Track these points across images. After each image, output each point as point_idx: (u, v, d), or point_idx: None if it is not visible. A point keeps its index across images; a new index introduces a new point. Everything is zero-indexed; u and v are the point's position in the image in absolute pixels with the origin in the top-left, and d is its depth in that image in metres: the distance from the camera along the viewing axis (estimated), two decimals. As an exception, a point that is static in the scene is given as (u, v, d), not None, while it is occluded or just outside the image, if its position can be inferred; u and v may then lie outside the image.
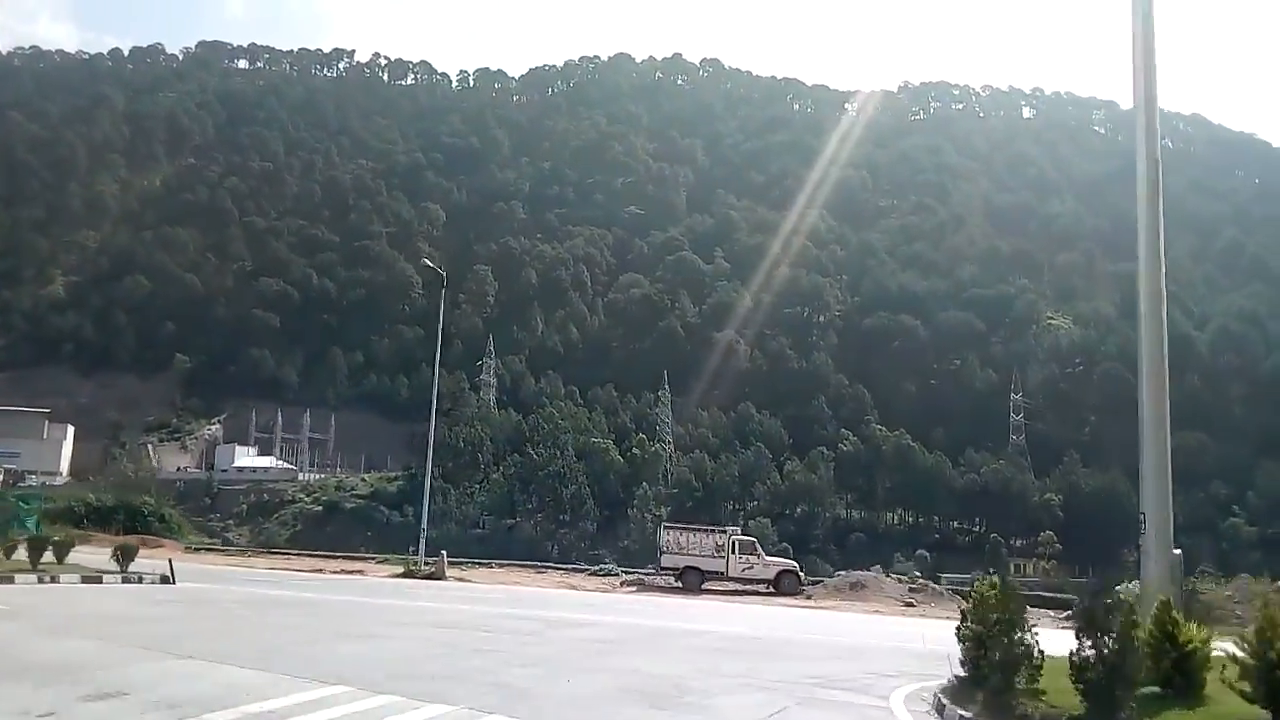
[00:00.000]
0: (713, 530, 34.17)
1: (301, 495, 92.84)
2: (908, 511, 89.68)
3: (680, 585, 31.24)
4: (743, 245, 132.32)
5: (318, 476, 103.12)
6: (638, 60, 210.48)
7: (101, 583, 22.30)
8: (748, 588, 31.37)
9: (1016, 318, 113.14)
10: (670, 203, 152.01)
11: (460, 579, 32.66)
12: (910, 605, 28.29)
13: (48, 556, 23.06)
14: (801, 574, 33.07)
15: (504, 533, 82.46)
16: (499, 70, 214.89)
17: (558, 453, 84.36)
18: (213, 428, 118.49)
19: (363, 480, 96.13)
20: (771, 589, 30.84)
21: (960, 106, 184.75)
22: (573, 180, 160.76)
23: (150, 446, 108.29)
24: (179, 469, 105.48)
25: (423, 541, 36.12)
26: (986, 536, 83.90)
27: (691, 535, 32.86)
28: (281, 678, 9.41)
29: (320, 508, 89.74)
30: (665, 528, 34.15)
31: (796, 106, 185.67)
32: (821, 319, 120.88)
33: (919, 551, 79.64)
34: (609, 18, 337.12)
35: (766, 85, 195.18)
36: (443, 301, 39.28)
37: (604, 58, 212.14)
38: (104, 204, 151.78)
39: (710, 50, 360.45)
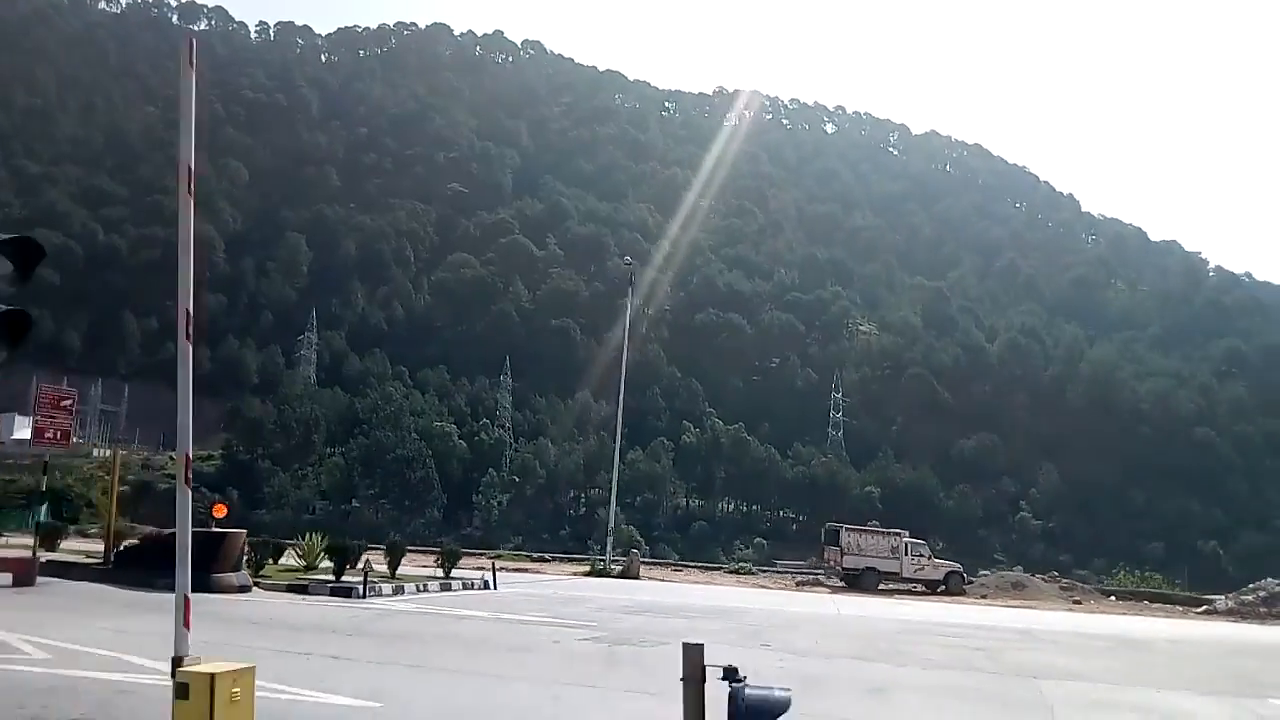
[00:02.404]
0: (888, 533, 35.35)
1: (101, 474, 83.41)
2: (742, 501, 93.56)
3: (852, 585, 32.99)
4: (575, 233, 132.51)
5: (107, 454, 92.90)
6: (456, 33, 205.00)
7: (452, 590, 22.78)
8: (915, 587, 33.49)
9: (831, 321, 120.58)
10: (496, 183, 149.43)
11: (654, 579, 32.94)
12: (1078, 603, 30.56)
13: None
14: (965, 574, 34.90)
15: (339, 518, 78.38)
16: (304, 26, 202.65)
17: (404, 436, 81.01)
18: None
19: (170, 459, 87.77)
20: (942, 588, 32.36)
21: (770, 117, 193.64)
22: (391, 149, 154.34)
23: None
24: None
25: (610, 540, 35.45)
26: (813, 525, 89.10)
27: (870, 537, 34.37)
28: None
29: (126, 487, 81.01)
30: (846, 530, 35.08)
31: (619, 99, 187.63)
32: (651, 312, 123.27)
33: (757, 540, 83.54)
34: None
35: (589, 75, 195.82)
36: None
37: (421, 25, 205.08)
38: None
39: (531, 32, 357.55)
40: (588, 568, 34.79)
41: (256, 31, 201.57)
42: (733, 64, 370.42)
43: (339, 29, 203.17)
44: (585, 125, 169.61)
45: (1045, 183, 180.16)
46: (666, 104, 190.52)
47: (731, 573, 41.31)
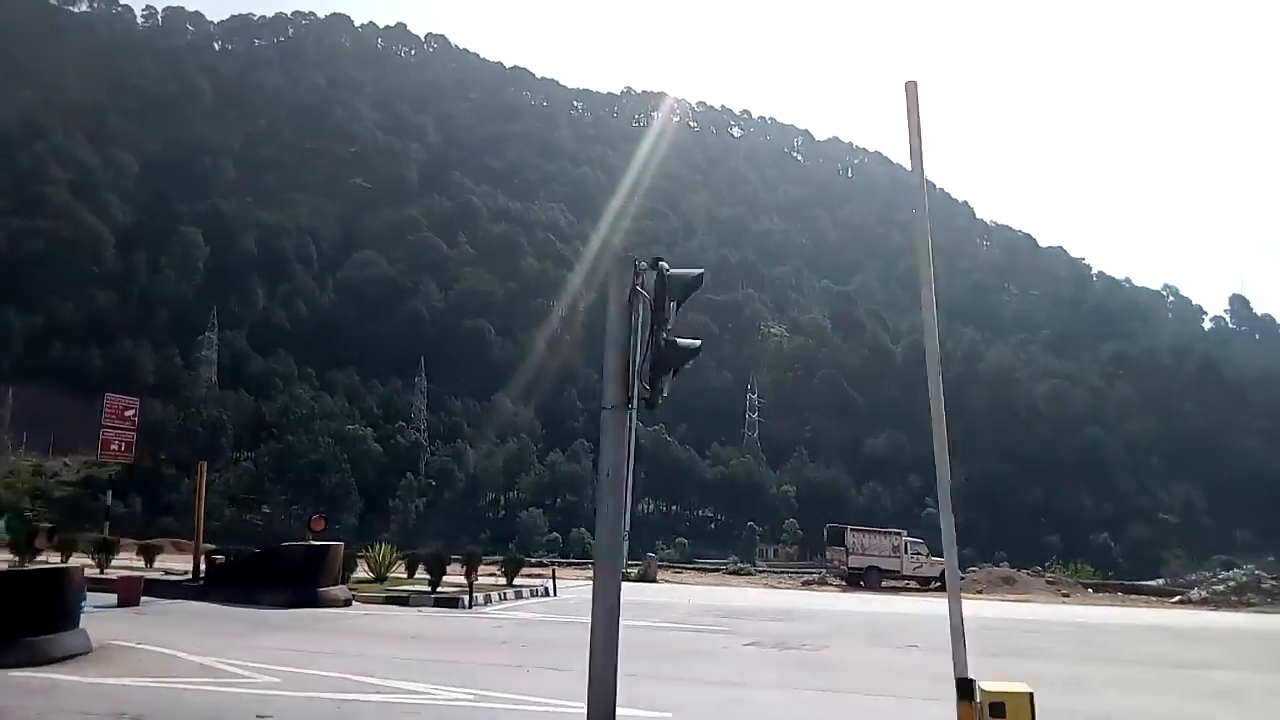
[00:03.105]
0: (889, 533, 36.41)
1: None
2: (662, 501, 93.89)
3: (858, 583, 34.37)
4: (486, 232, 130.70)
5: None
6: (357, 24, 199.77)
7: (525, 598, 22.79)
8: (911, 585, 34.81)
9: (744, 323, 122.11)
10: (402, 179, 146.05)
11: (667, 581, 33.21)
12: (1066, 596, 31.65)
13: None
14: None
15: (249, 524, 75.32)
16: (195, 12, 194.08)
17: (317, 440, 78.34)
18: None
19: (65, 465, 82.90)
20: (937, 584, 33.22)
21: (677, 119, 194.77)
22: (291, 142, 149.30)
23: None
24: None
25: (625, 545, 34.42)
26: (730, 524, 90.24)
27: (873, 537, 35.79)
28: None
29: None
30: (851, 531, 36.54)
31: (527, 95, 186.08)
32: (564, 312, 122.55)
33: (678, 539, 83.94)
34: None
35: (495, 71, 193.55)
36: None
37: (320, 15, 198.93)
38: None
39: (434, 26, 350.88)
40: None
41: (143, 16, 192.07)
42: (640, 65, 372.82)
43: (233, 16, 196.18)
44: (493, 122, 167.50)
45: (941, 190, 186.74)
46: (575, 103, 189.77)
47: (731, 574, 42.67)
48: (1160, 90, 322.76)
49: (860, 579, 34.53)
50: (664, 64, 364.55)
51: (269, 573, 18.72)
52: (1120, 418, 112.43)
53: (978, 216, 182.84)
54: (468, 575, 21.59)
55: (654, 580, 33.32)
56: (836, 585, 35.24)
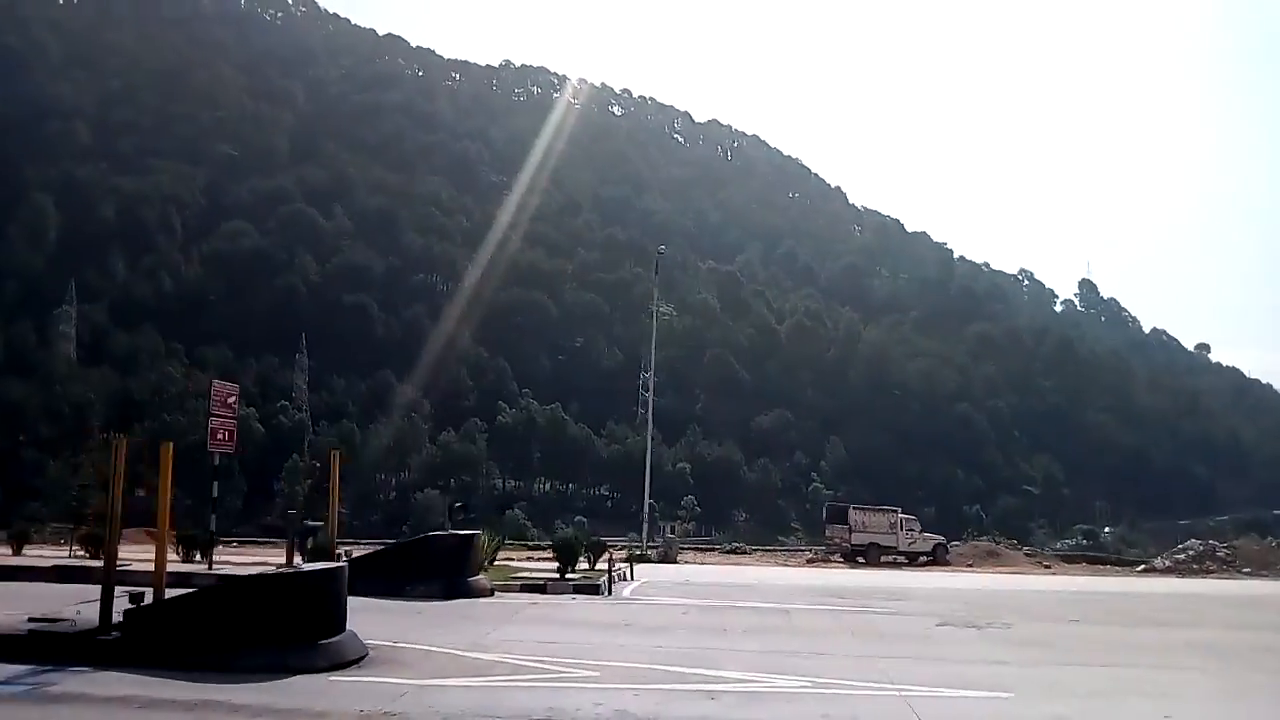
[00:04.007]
0: (886, 510, 37.31)
1: None
2: (557, 480, 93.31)
3: (856, 559, 36.08)
4: (364, 205, 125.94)
5: None
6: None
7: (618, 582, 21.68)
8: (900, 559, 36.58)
9: (633, 302, 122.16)
10: (271, 146, 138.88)
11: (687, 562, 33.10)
12: (1047, 567, 33.14)
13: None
14: (947, 546, 37.85)
15: (123, 509, 70.55)
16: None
17: (196, 419, 73.82)
18: None
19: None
20: (928, 558, 35.06)
21: (557, 95, 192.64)
22: (150, 106, 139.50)
23: None
24: None
25: (646, 526, 34.63)
26: (627, 502, 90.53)
27: (873, 515, 37.23)
28: None
29: None
30: (854, 509, 37.81)
31: (401, 64, 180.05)
32: (448, 287, 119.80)
33: (577, 518, 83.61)
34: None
35: (368, 38, 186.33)
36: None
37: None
38: None
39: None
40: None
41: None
42: (519, 39, 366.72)
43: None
44: (367, 91, 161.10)
45: (816, 175, 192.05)
46: (453, 74, 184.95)
47: (728, 553, 43.74)
48: (1011, 83, 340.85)
49: (860, 555, 36.12)
50: (543, 39, 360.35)
51: (419, 563, 17.89)
52: (986, 395, 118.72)
53: (850, 201, 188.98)
54: (611, 561, 21.70)
55: (675, 561, 33.19)
56: (838, 562, 36.66)
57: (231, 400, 18.48)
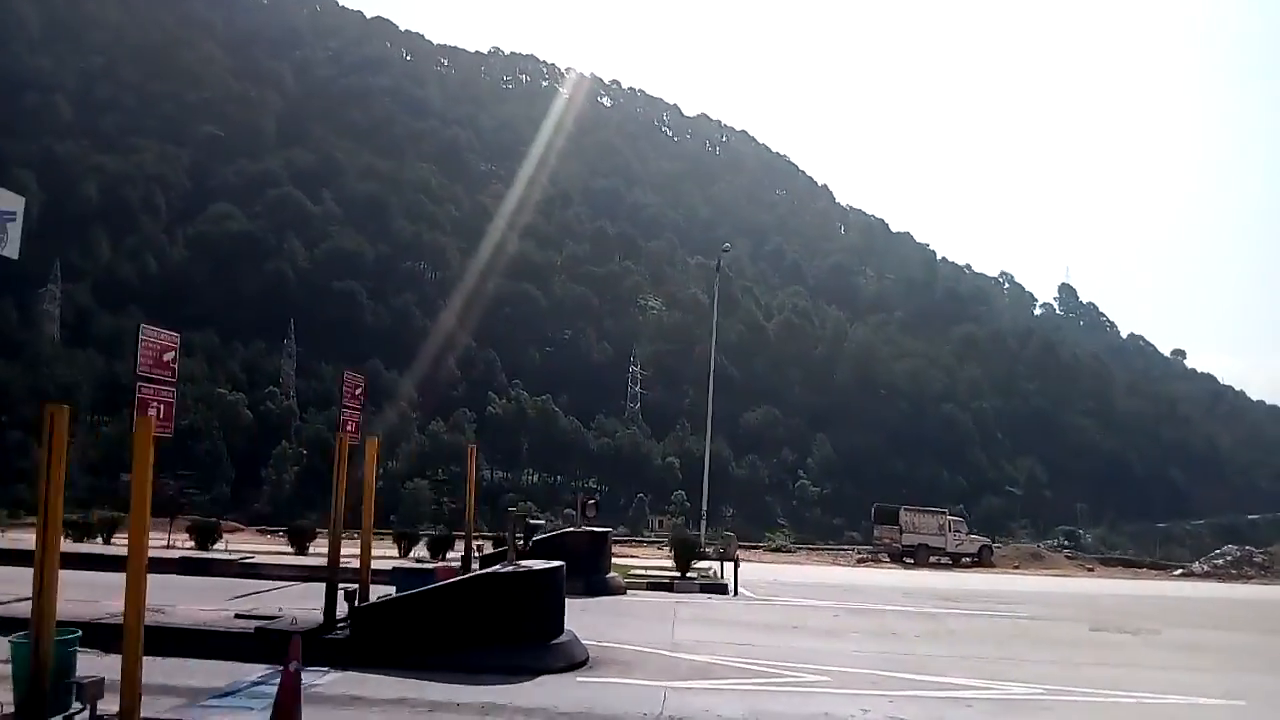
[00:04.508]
0: (936, 512, 37.55)
1: None
2: (545, 472, 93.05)
3: (903, 560, 36.15)
4: (353, 190, 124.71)
5: None
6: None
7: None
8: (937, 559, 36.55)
9: (623, 296, 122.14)
10: (258, 128, 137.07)
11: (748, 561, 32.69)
12: (1091, 570, 33.25)
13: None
14: (991, 548, 37.96)
15: (107, 495, 69.58)
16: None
17: (187, 404, 72.93)
18: None
19: None
20: (973, 559, 35.13)
21: (546, 84, 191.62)
22: (133, 83, 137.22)
23: None
24: None
25: (704, 522, 34.14)
26: (616, 495, 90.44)
27: (922, 516, 37.54)
28: None
29: None
30: (905, 510, 37.98)
31: (390, 47, 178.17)
32: (437, 276, 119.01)
33: (566, 510, 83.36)
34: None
35: (355, 20, 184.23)
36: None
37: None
38: None
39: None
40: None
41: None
42: (507, 26, 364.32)
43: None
44: (355, 74, 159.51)
45: (804, 173, 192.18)
46: (441, 59, 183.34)
47: (773, 551, 43.89)
48: (994, 88, 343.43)
49: (909, 556, 36.42)
50: (532, 27, 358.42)
51: (559, 558, 17.52)
52: (971, 396, 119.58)
53: (837, 200, 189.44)
54: (736, 560, 21.38)
55: (735, 560, 33.09)
56: (887, 563, 36.91)
57: (359, 392, 17.20)
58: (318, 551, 24.69)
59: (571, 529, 20.19)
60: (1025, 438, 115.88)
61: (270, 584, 17.38)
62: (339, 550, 10.25)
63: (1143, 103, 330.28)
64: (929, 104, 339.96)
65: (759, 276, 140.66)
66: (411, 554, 27.00)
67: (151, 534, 22.33)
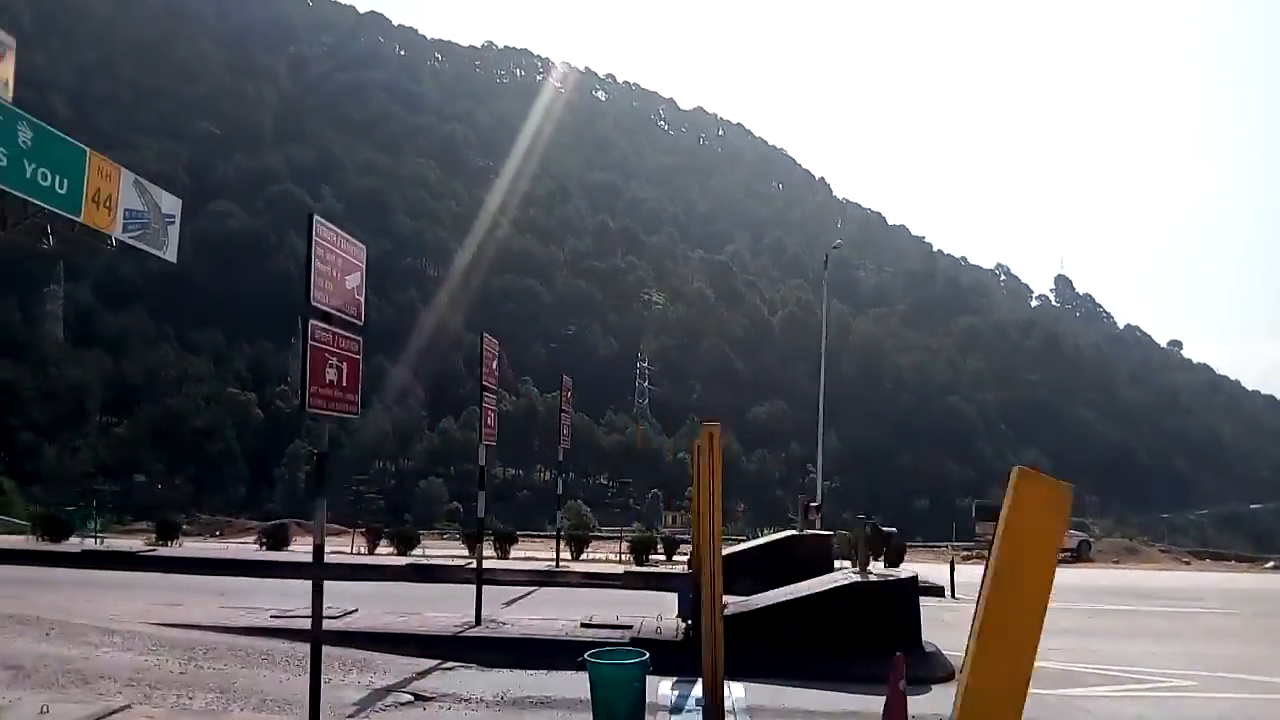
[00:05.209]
0: None
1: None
2: (556, 468, 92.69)
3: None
4: (353, 186, 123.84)
5: None
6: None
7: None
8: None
9: (627, 291, 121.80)
10: (255, 125, 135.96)
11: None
12: (1187, 563, 32.80)
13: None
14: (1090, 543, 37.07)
15: (120, 495, 68.92)
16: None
17: (198, 404, 72.47)
18: None
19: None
20: (1071, 554, 33.87)
21: (540, 78, 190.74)
22: (128, 79, 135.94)
23: None
24: None
25: (819, 518, 33.04)
26: (627, 491, 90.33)
27: None
28: None
29: None
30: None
31: (384, 41, 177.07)
32: (438, 273, 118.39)
33: (570, 502, 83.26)
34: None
35: (348, 14, 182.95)
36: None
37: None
38: None
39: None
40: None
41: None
42: (501, 20, 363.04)
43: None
44: (351, 69, 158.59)
45: (801, 166, 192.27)
46: (436, 54, 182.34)
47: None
48: (987, 79, 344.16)
49: None
50: (525, 21, 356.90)
51: (788, 564, 17.27)
52: (975, 388, 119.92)
53: (834, 193, 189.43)
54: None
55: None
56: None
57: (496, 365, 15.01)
58: (518, 555, 24.69)
59: (794, 533, 19.70)
60: (1029, 429, 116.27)
61: (515, 589, 17.21)
62: (718, 552, 8.83)
63: (1134, 94, 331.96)
64: (921, 96, 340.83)
65: (760, 270, 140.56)
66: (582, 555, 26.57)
67: (332, 539, 21.99)
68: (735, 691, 8.73)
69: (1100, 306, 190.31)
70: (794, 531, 20.09)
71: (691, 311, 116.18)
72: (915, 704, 7.88)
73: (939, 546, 43.22)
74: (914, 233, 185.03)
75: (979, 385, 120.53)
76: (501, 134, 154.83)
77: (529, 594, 17.00)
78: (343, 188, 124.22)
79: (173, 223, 25.66)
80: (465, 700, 8.39)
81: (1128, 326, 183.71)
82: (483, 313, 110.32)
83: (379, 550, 26.77)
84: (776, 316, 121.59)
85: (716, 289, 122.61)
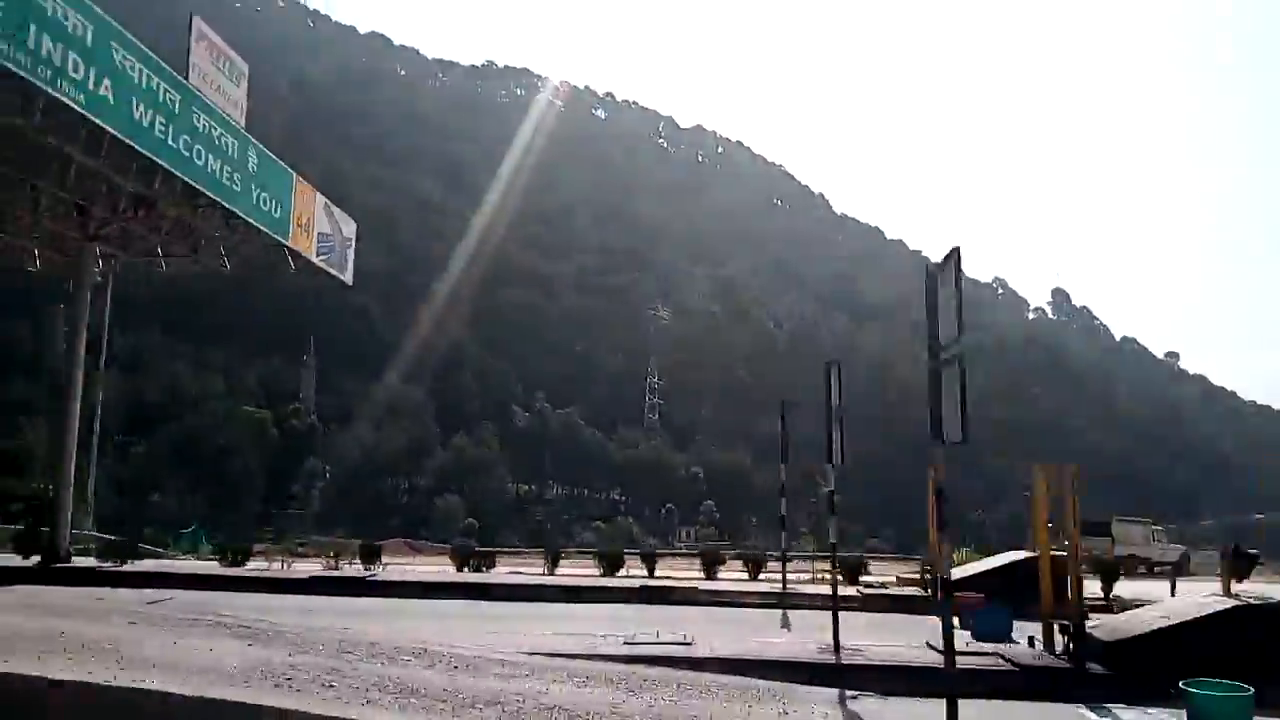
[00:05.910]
0: (1142, 522, 37.71)
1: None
2: (569, 485, 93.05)
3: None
4: (363, 202, 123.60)
5: None
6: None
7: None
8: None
9: (634, 307, 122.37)
10: (260, 138, 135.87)
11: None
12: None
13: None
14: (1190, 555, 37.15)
15: (136, 514, 68.81)
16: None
17: (220, 423, 72.54)
18: None
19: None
20: (1170, 568, 33.32)
21: (541, 96, 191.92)
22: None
23: None
24: None
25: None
26: (640, 506, 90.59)
27: (1132, 527, 36.67)
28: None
29: None
30: (1116, 520, 36.60)
31: (385, 62, 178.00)
32: (445, 290, 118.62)
33: (595, 523, 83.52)
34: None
35: (349, 34, 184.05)
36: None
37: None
38: None
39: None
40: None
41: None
42: (502, 40, 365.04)
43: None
44: (353, 88, 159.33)
45: (800, 182, 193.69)
46: (437, 73, 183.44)
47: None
48: (981, 92, 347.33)
49: (1121, 567, 36.53)
50: (526, 41, 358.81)
51: (1021, 588, 16.48)
52: (982, 403, 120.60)
53: (833, 209, 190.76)
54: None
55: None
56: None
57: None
58: (727, 577, 23.69)
59: (1025, 555, 18.92)
60: (1035, 444, 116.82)
61: (751, 611, 17.37)
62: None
63: (1129, 106, 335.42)
64: (917, 112, 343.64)
65: (764, 287, 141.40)
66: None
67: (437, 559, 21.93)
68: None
69: (1097, 319, 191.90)
70: (1025, 554, 19.30)
71: (698, 327, 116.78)
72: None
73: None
74: (911, 247, 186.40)
75: (985, 400, 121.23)
76: (503, 152, 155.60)
77: (769, 614, 16.90)
78: (351, 203, 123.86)
79: (350, 246, 26.52)
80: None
81: (1124, 339, 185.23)
82: (490, 330, 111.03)
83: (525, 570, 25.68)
84: (782, 332, 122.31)
85: (723, 305, 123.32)
